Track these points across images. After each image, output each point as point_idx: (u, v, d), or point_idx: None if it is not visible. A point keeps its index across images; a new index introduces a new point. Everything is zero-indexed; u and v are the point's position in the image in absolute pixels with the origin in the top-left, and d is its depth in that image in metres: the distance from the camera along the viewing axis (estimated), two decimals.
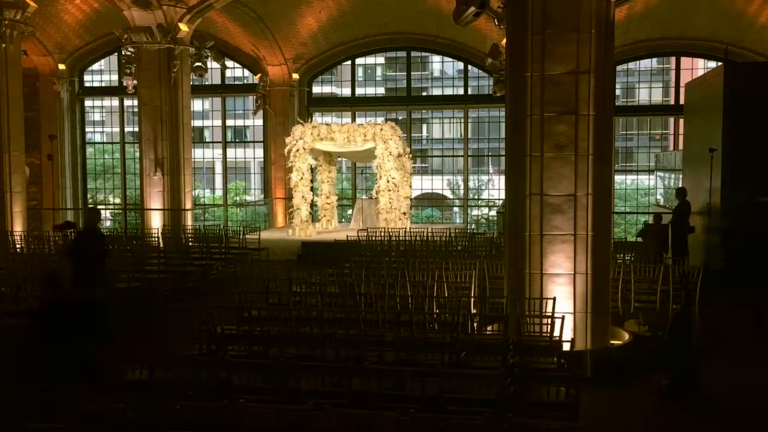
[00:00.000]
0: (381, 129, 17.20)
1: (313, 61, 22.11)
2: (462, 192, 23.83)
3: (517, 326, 7.26)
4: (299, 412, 4.75)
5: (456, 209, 26.00)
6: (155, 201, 17.19)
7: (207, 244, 14.69)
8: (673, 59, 21.87)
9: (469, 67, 21.97)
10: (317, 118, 21.76)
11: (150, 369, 5.91)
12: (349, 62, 22.71)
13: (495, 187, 25.52)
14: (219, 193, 25.05)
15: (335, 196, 19.55)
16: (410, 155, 18.69)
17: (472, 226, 21.60)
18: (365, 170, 21.15)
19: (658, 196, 20.74)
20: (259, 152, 23.66)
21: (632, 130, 26.13)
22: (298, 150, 17.61)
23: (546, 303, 7.82)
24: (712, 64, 19.83)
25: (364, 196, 21.38)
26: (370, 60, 24.63)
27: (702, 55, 20.83)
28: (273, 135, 21.86)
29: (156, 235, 15.85)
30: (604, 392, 7.21)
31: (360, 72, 24.64)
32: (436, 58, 24.09)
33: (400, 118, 22.88)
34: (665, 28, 19.76)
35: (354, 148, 17.61)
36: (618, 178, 22.14)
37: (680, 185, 16.46)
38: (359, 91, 23.30)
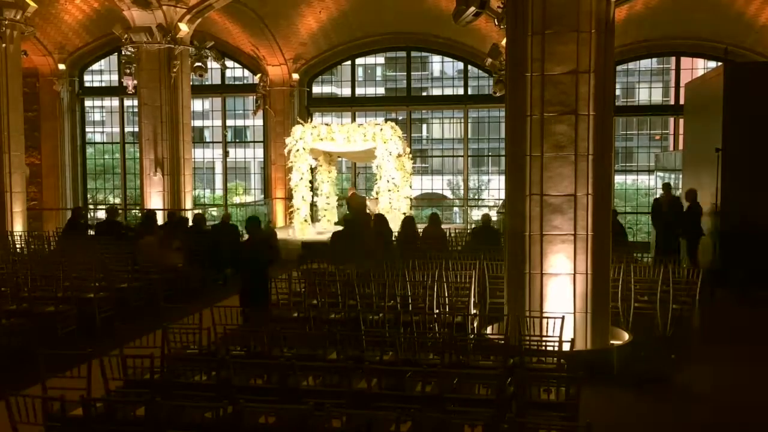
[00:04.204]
0: (381, 129, 17.18)
1: (313, 62, 22.09)
2: (462, 192, 23.83)
3: (516, 326, 7.26)
4: (299, 412, 4.75)
5: (456, 209, 25.97)
6: (155, 201, 17.18)
7: None
8: (673, 59, 21.84)
9: (469, 67, 21.94)
10: (317, 118, 21.76)
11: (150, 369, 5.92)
12: (349, 62, 22.69)
13: (495, 187, 25.50)
14: (219, 193, 25.05)
15: (335, 196, 19.54)
16: (410, 155, 18.67)
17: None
18: (365, 170, 21.12)
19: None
20: (259, 152, 23.66)
21: (632, 130, 26.14)
22: (298, 150, 17.61)
23: (546, 303, 7.81)
24: (712, 64, 19.80)
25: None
26: (370, 60, 24.61)
27: (702, 55, 20.79)
28: (273, 135, 21.84)
29: None
30: (604, 392, 7.21)
31: (360, 72, 24.63)
32: (436, 58, 24.06)
33: (400, 118, 22.86)
34: (665, 28, 19.74)
35: (354, 148, 17.59)
36: (618, 178, 22.12)
37: (680, 185, 16.45)
38: (359, 91, 23.27)
